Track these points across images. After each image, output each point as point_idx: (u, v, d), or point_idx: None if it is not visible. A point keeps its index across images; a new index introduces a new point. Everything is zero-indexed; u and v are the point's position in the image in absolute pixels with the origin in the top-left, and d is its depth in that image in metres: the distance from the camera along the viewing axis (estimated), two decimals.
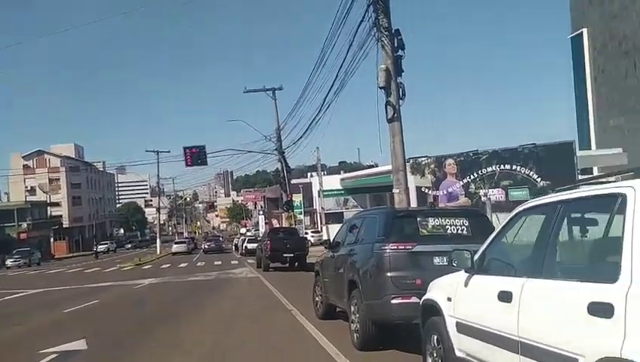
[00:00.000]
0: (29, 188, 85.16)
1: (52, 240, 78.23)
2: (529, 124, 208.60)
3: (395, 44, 12.46)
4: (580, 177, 18.44)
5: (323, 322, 8.84)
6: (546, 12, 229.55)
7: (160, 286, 18.23)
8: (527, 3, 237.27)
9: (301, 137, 26.34)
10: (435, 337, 4.76)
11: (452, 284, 4.57)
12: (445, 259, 6.22)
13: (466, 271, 4.35)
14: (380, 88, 12.43)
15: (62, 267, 37.93)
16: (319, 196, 55.01)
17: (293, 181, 44.24)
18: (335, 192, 56.94)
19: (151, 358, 7.01)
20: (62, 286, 19.96)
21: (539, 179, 20.05)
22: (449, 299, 4.54)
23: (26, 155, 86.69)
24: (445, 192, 22.61)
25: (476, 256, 4.25)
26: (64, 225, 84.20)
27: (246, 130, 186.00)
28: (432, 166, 23.00)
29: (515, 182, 20.52)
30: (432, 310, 4.87)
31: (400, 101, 12.58)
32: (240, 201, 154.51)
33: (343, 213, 53.59)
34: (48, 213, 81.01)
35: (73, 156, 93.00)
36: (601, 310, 2.63)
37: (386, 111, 12.56)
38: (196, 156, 28.03)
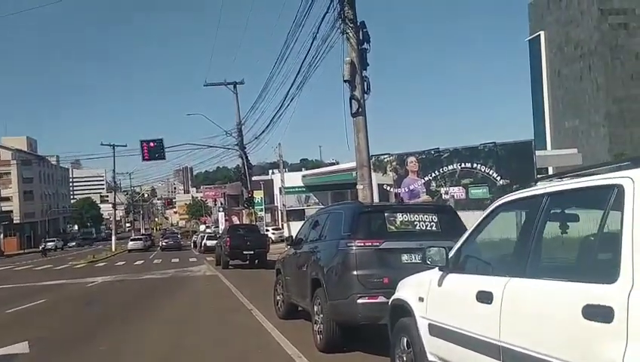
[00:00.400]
0: None
1: (2, 236, 74.85)
2: (488, 125, 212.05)
3: (361, 37, 12.22)
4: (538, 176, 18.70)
5: (284, 322, 8.49)
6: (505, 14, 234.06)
7: (113, 285, 17.45)
8: (488, 6, 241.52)
9: (263, 132, 25.92)
10: (405, 340, 4.47)
11: (424, 283, 4.28)
12: (414, 257, 5.96)
13: (440, 270, 4.06)
14: (345, 82, 12.17)
15: (9, 264, 36.14)
16: (280, 193, 54.60)
17: (254, 178, 43.61)
18: (296, 189, 56.61)
19: None
20: (7, 284, 18.90)
21: (498, 178, 20.22)
22: (421, 299, 4.25)
23: None
24: (407, 190, 22.59)
25: (451, 253, 3.97)
26: (15, 221, 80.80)
27: (206, 126, 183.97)
28: (394, 163, 22.96)
29: (475, 181, 20.63)
30: (402, 310, 4.58)
31: (365, 95, 12.34)
32: (200, 198, 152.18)
33: (304, 210, 53.43)
34: None
35: (25, 149, 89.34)
36: (599, 314, 2.36)
37: (351, 106, 12.30)
38: (154, 150, 27.10)
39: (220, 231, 58.02)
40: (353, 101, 12.19)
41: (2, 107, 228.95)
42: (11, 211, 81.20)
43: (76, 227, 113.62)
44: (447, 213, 6.62)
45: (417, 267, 5.79)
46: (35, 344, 7.50)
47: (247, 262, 21.88)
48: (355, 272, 5.89)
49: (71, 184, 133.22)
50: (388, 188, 25.55)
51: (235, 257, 21.75)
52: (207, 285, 15.99)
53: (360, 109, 12.21)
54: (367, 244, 5.95)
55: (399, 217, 6.19)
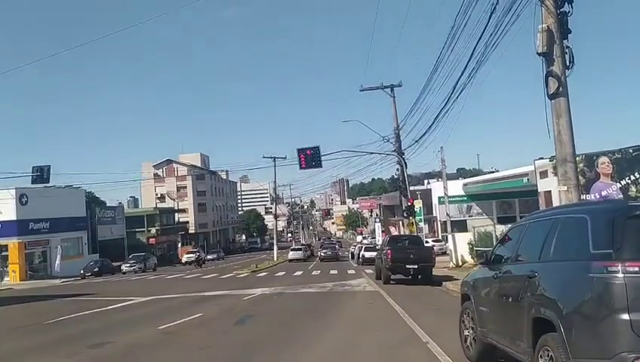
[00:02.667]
0: (158, 195, 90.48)
1: (180, 244, 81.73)
2: None
3: None
4: None
5: None
6: None
7: (270, 299, 16.49)
8: None
9: (425, 133, 23.72)
10: None
11: None
12: None
13: None
14: (540, 55, 9.60)
15: (180, 272, 38.12)
16: (439, 203, 52.04)
17: (410, 188, 41.50)
18: (457, 198, 53.19)
19: None
20: (171, 294, 19.05)
21: None
22: None
23: (157, 164, 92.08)
24: (598, 196, 19.15)
25: None
26: (190, 231, 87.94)
27: (362, 133, 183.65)
28: (581, 165, 19.73)
29: None
30: None
31: (566, 71, 9.62)
32: (356, 209, 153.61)
33: (465, 220, 50.07)
34: (176, 218, 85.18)
35: (199, 165, 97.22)
36: None
37: (547, 85, 9.68)
38: (310, 158, 26.37)
39: (378, 242, 56.67)
40: (551, 79, 9.57)
41: (181, 126, 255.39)
42: (187, 222, 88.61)
43: (244, 237, 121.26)
44: None
45: None
46: None
47: (410, 277, 19.80)
48: (625, 316, 3.54)
49: (239, 197, 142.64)
50: None
51: (397, 271, 19.77)
52: (369, 304, 14.14)
53: (560, 89, 9.52)
54: None
55: None
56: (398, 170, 32.21)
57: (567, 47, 9.56)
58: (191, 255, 56.54)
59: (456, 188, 54.40)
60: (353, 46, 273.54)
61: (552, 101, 9.63)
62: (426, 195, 54.63)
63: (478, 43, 12.36)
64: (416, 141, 25.73)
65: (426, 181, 76.04)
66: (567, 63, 9.55)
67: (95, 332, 10.61)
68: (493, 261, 6.16)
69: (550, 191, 25.88)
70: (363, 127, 48.60)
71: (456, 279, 19.40)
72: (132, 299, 17.89)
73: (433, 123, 21.08)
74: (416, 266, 19.16)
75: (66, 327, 11.87)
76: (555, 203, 24.78)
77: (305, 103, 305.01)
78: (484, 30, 11.81)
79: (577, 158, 19.99)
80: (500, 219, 41.82)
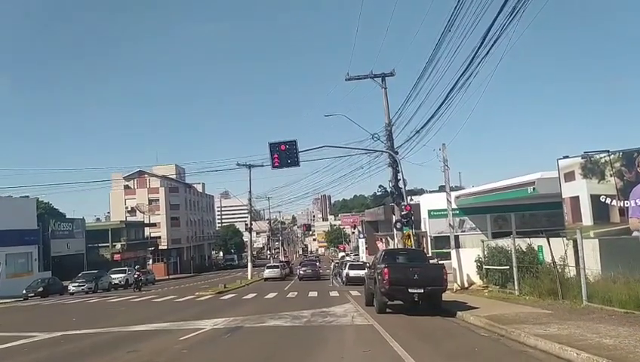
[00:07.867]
0: (129, 208, 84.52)
1: (150, 261, 75.83)
2: None
3: None
4: None
5: None
6: None
7: (218, 341, 11.45)
8: None
9: (431, 118, 19.23)
10: None
11: None
12: None
13: None
14: None
15: (132, 295, 32.44)
16: (430, 216, 47.90)
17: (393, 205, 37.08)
18: (445, 213, 48.85)
19: None
20: (90, 329, 13.94)
21: None
22: None
23: (128, 176, 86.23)
24: (638, 203, 15.06)
25: None
26: (162, 246, 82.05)
27: (349, 137, 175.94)
28: (618, 165, 15.70)
29: None
30: None
31: None
32: (338, 225, 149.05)
33: (458, 236, 45.75)
34: (146, 233, 79.32)
35: (174, 177, 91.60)
36: None
37: None
38: (285, 155, 21.50)
39: (363, 259, 51.91)
40: None
41: (155, 136, 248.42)
42: (159, 237, 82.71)
43: (221, 253, 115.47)
44: None
45: None
46: None
47: (411, 303, 15.03)
48: None
49: (219, 213, 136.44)
50: (607, 200, 17.73)
51: (397, 297, 14.98)
52: (365, 354, 9.19)
53: None
54: None
55: None
56: (380, 186, 27.64)
57: None
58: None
59: (443, 202, 50.19)
60: (340, 38, 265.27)
61: None
62: (414, 210, 50.31)
63: None
64: (417, 132, 21.17)
65: (409, 198, 71.46)
66: None
67: None
68: None
69: (578, 197, 21.24)
70: (350, 131, 44.06)
71: (474, 307, 14.60)
72: (32, 336, 12.85)
73: (445, 100, 16.50)
74: (422, 291, 14.32)
75: None
76: (585, 210, 20.25)
77: (286, 110, 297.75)
78: None
79: (614, 156, 15.73)
80: (495, 234, 37.80)
